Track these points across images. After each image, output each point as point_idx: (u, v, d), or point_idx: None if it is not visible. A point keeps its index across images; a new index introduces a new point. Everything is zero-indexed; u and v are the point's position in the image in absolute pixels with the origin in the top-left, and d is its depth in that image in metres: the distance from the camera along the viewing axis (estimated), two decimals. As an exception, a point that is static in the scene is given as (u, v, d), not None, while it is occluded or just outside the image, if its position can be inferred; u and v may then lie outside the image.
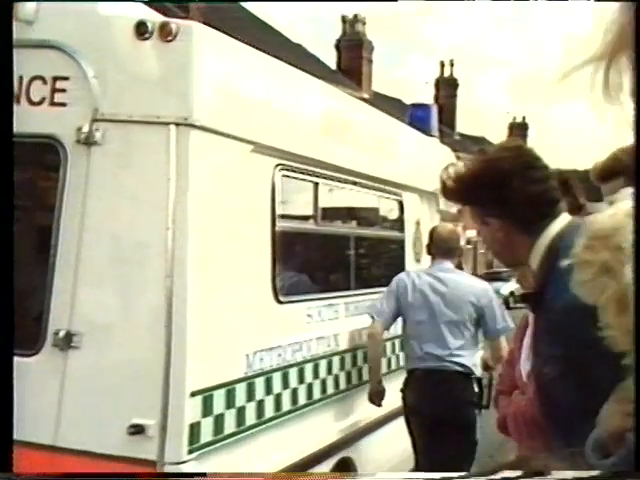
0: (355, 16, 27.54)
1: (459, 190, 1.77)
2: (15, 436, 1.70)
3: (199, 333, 2.60)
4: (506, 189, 1.69)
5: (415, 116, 5.51)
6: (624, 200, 1.16)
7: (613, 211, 1.17)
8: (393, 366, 4.40)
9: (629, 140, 0.71)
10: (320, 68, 24.61)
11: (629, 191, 1.20)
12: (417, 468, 4.04)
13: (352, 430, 3.80)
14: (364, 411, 3.96)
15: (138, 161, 2.63)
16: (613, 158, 2.10)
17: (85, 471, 2.48)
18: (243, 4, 22.13)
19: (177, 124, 2.57)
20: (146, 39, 2.58)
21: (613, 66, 0.67)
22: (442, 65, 32.97)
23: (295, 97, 3.42)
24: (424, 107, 5.71)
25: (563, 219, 1.73)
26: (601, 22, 0.68)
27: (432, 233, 4.16)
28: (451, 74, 32.86)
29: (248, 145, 2.93)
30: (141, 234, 2.60)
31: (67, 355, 2.59)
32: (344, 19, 27.68)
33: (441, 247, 4.03)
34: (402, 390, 3.96)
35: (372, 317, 3.90)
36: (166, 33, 2.57)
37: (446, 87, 32.37)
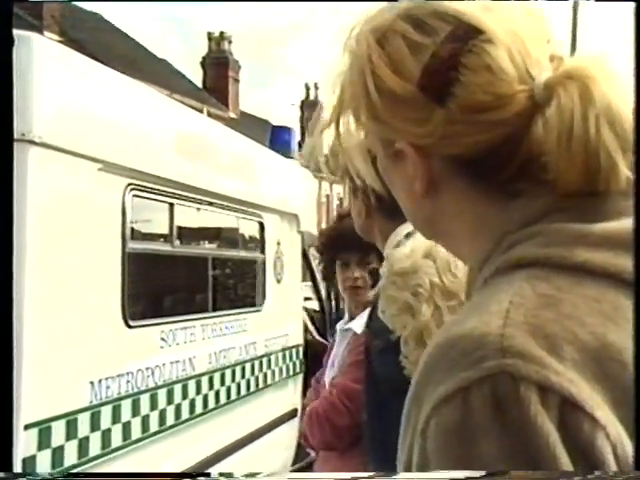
0: (221, 34, 27.50)
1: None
2: None
3: (37, 360, 2.44)
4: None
5: (276, 138, 5.59)
6: (418, 236, 1.22)
7: (410, 250, 1.25)
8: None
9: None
10: (186, 85, 24.33)
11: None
12: None
13: (209, 454, 3.73)
14: (221, 434, 3.91)
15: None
16: None
17: None
18: (104, 16, 21.44)
19: (15, 140, 2.42)
20: (-19, 48, 2.42)
21: (342, 126, 0.67)
22: (307, 88, 33.75)
23: (148, 116, 3.34)
24: (285, 130, 5.81)
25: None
26: (330, 80, 0.67)
27: None
28: (316, 97, 33.69)
29: (95, 163, 2.83)
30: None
31: None
32: (210, 36, 27.54)
33: None
34: None
35: None
36: None
37: (311, 109, 33.13)
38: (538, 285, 0.56)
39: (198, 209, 3.88)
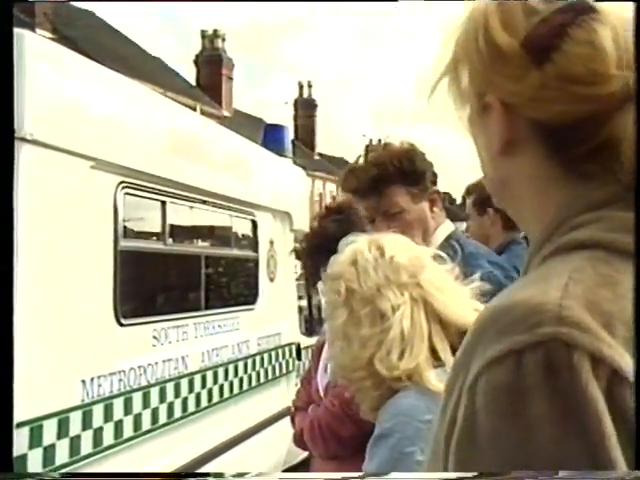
0: (215, 32, 27.38)
1: (356, 189, 1.89)
2: None
3: (28, 358, 2.43)
4: (423, 174, 1.86)
5: (269, 137, 5.58)
6: (352, 243, 1.34)
7: (343, 256, 1.32)
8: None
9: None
10: (179, 83, 24.23)
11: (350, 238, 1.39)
12: None
13: (201, 453, 3.73)
14: (214, 433, 3.90)
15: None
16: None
17: None
18: (97, 14, 21.34)
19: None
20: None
21: (459, 75, 0.71)
22: (300, 86, 33.70)
23: (140, 114, 3.33)
24: (278, 128, 5.80)
25: (449, 225, 1.92)
26: (446, 36, 0.72)
27: None
28: (309, 95, 33.66)
29: (87, 161, 2.82)
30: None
31: None
32: (203, 34, 27.43)
33: None
34: None
35: None
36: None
37: (305, 108, 33.09)
38: (598, 265, 0.59)
39: (191, 207, 3.87)
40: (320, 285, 2.25)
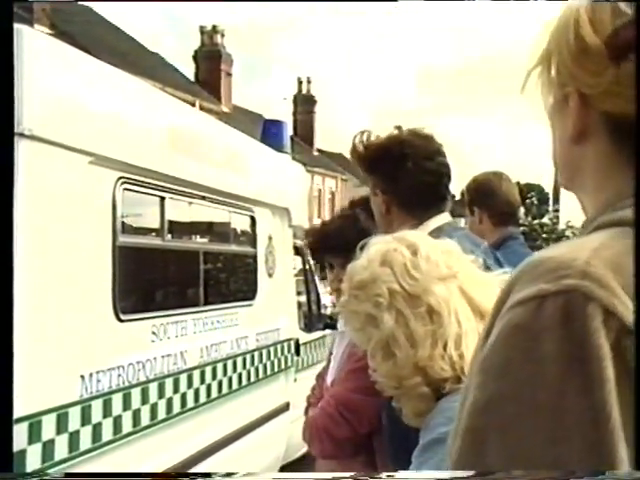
0: (213, 27, 27.34)
1: (365, 157, 1.86)
2: None
3: (26, 354, 2.43)
4: (399, 169, 1.82)
5: (268, 132, 5.57)
6: (374, 245, 1.27)
7: (367, 260, 1.25)
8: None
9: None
10: (178, 78, 24.19)
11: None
12: None
13: (200, 448, 3.73)
14: (213, 429, 3.91)
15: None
16: None
17: None
18: (94, 9, 21.27)
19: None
20: (-31, 40, 2.40)
21: (550, 66, 0.77)
22: (299, 82, 33.66)
23: (139, 109, 3.33)
24: (276, 124, 5.78)
25: (444, 217, 1.87)
26: (543, 29, 0.79)
27: None
28: (309, 91, 33.63)
29: (86, 157, 2.81)
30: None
31: None
32: (202, 30, 27.38)
33: None
34: None
35: None
36: (-9, 35, 2.40)
37: (304, 103, 33.07)
38: (630, 238, 0.65)
39: (190, 203, 3.87)
40: (333, 298, 2.22)
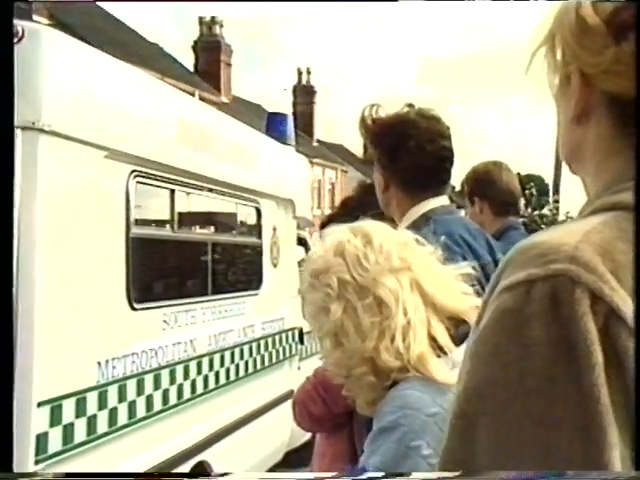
0: (212, 18, 27.25)
1: (371, 131, 1.87)
2: None
3: (47, 341, 2.54)
4: (400, 149, 1.82)
5: (272, 125, 5.65)
6: (331, 234, 1.30)
7: (323, 250, 1.27)
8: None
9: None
10: (177, 69, 24.15)
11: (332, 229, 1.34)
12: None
13: (209, 433, 3.85)
14: (221, 415, 4.02)
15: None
16: None
17: None
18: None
19: (24, 128, 2.50)
20: (-10, 39, 2.49)
21: (555, 46, 0.77)
22: (299, 72, 33.62)
23: (150, 104, 3.42)
24: (281, 116, 5.87)
25: (440, 200, 1.87)
26: (549, 10, 0.79)
27: None
28: (308, 81, 33.60)
29: (101, 151, 2.91)
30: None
31: None
32: (201, 21, 27.31)
33: None
34: None
35: None
36: (12, 34, 2.49)
37: (303, 94, 33.05)
38: (622, 222, 0.65)
39: (199, 195, 3.97)
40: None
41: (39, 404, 2.48)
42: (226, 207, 4.53)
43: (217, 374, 4.03)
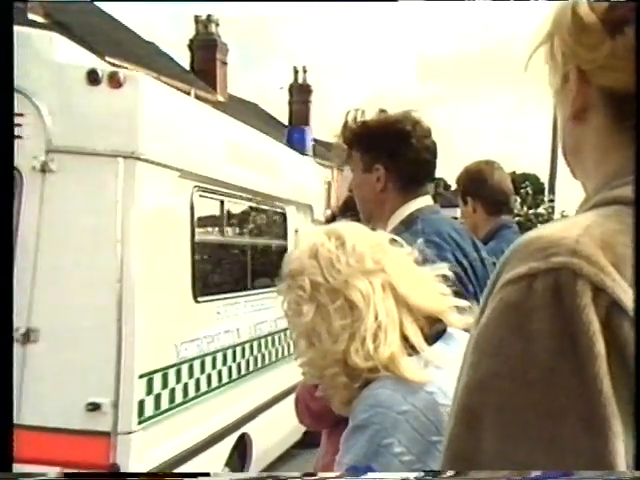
0: (208, 16, 27.50)
1: (362, 133, 1.88)
2: None
3: (143, 327, 3.18)
4: (403, 145, 1.86)
5: (292, 137, 6.30)
6: (307, 236, 1.33)
7: (299, 251, 1.29)
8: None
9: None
10: (173, 67, 24.46)
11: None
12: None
13: (251, 408, 4.51)
14: (261, 393, 4.68)
15: (91, 185, 3.17)
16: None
17: (44, 442, 2.97)
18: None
19: (125, 157, 3.14)
20: (96, 85, 3.12)
21: (554, 46, 0.77)
22: (295, 71, 33.94)
23: (206, 129, 4.06)
24: (300, 130, 6.53)
25: (426, 200, 1.93)
26: (548, 10, 0.81)
27: None
28: (305, 80, 33.89)
29: (176, 172, 3.55)
30: (95, 247, 3.14)
31: (26, 348, 3.05)
32: (197, 19, 27.53)
33: None
34: None
35: None
36: (115, 81, 3.12)
37: (299, 93, 33.38)
38: (623, 216, 0.64)
39: (241, 204, 4.62)
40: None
41: (140, 376, 3.12)
42: (261, 214, 5.19)
43: (256, 359, 4.69)
